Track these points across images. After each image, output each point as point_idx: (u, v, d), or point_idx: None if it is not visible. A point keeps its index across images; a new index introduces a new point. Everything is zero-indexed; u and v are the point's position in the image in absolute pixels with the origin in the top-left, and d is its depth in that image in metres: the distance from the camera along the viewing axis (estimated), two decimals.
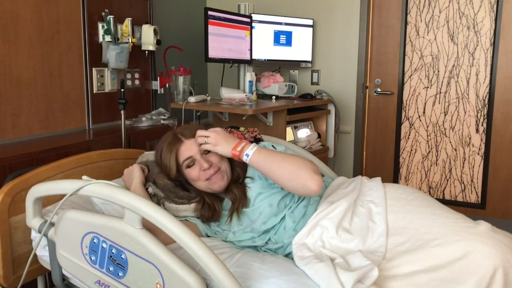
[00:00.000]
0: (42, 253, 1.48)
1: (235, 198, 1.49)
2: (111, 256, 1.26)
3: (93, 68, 2.64)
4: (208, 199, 1.50)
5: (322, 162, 1.98)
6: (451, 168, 3.39)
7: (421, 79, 3.40)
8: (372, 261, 1.23)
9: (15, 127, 2.25)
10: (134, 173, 1.53)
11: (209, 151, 1.49)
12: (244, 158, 1.39)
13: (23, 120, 2.28)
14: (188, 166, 1.47)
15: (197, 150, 1.47)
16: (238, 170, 1.55)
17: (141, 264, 1.21)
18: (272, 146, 1.55)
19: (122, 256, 1.24)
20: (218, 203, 1.51)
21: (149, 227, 1.21)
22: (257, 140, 1.89)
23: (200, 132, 1.46)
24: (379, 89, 3.53)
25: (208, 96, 3.05)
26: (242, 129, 1.92)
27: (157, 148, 1.55)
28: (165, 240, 1.25)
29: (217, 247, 1.39)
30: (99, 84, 2.68)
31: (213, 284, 1.18)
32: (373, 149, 3.62)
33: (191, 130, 1.52)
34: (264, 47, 3.32)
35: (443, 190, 3.44)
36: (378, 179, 1.52)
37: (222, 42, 2.92)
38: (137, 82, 2.97)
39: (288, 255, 1.39)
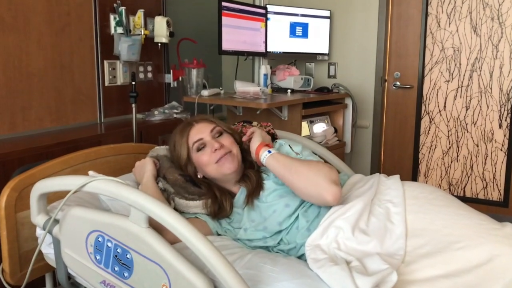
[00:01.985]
0: (47, 250, 1.44)
1: (251, 183, 1.45)
2: (116, 256, 1.21)
3: (105, 61, 2.59)
4: (217, 192, 1.46)
5: (338, 158, 1.91)
6: (472, 165, 3.28)
7: (442, 73, 3.29)
8: (391, 264, 1.15)
9: (25, 120, 2.22)
10: (146, 166, 1.49)
11: (220, 134, 1.49)
12: (264, 155, 1.39)
13: (33, 113, 2.25)
14: (199, 150, 1.45)
15: (208, 133, 1.47)
16: (250, 159, 1.52)
17: (147, 264, 1.16)
18: (289, 146, 1.50)
19: (128, 256, 1.19)
20: (227, 199, 1.45)
21: (156, 225, 1.15)
22: (270, 136, 1.82)
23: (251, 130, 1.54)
24: (398, 83, 3.43)
25: (221, 89, 2.99)
26: (255, 123, 1.85)
27: (171, 138, 1.55)
28: (172, 238, 1.20)
29: (228, 247, 1.33)
30: (110, 77, 2.64)
31: (222, 286, 1.12)
32: (392, 144, 3.53)
33: (203, 117, 1.53)
34: (279, 39, 3.24)
35: (464, 187, 3.33)
36: (397, 177, 1.44)
37: (236, 34, 2.85)
38: (149, 75, 2.93)
39: (301, 257, 1.32)
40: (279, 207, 1.38)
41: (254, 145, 1.45)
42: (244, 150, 1.53)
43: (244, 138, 1.55)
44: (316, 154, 1.97)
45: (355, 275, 1.10)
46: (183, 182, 1.49)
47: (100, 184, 1.20)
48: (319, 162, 1.39)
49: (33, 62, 2.22)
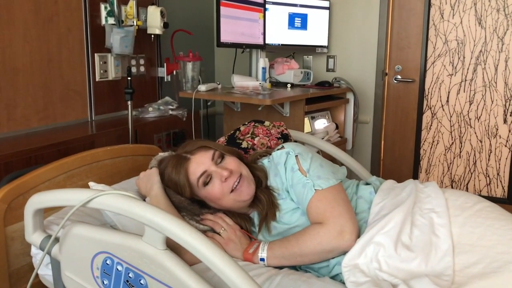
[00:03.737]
0: (44, 271, 1.27)
1: (263, 206, 1.28)
2: (127, 281, 1.06)
3: (95, 54, 2.40)
4: (233, 218, 1.30)
5: (357, 162, 1.78)
6: (475, 161, 3.19)
7: (445, 66, 3.18)
8: (439, 286, 1.03)
9: (11, 120, 2.02)
10: (154, 177, 1.30)
11: (223, 158, 1.29)
12: (261, 263, 1.22)
13: (19, 112, 2.06)
14: (206, 184, 1.26)
15: (210, 162, 1.26)
16: (258, 174, 1.34)
17: None
18: (297, 157, 1.28)
19: (141, 282, 1.04)
20: (245, 222, 1.31)
21: (172, 244, 1.00)
22: (284, 136, 1.68)
23: (220, 220, 1.29)
24: (399, 76, 3.31)
25: (219, 84, 2.83)
26: (267, 123, 1.70)
27: (163, 171, 1.32)
28: (191, 259, 1.06)
29: (252, 267, 1.18)
30: (101, 71, 2.45)
31: None
32: (392, 140, 3.42)
33: (196, 144, 1.31)
34: (278, 30, 3.08)
35: (467, 184, 3.25)
36: (434, 183, 1.30)
37: (234, 25, 2.69)
38: (142, 68, 2.74)
39: (335, 277, 1.18)
40: (304, 224, 1.24)
41: (236, 254, 1.25)
42: (252, 167, 1.35)
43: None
44: (333, 156, 1.86)
45: None
46: (188, 204, 1.31)
47: (108, 200, 1.04)
48: (311, 226, 1.21)
49: (18, 56, 2.03)
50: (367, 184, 1.38)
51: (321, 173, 1.25)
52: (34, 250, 1.26)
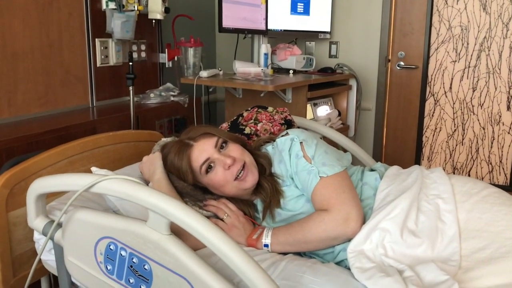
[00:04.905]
0: (47, 257, 1.27)
1: (267, 193, 1.27)
2: (131, 266, 1.05)
3: (96, 39, 2.37)
4: (236, 205, 1.29)
5: (360, 148, 1.77)
6: (478, 148, 3.18)
7: (448, 52, 3.15)
8: (446, 272, 1.02)
9: (11, 106, 2.01)
10: (157, 161, 1.29)
11: (226, 145, 1.27)
12: (265, 249, 1.22)
13: (19, 98, 2.04)
14: (208, 171, 1.24)
15: (213, 149, 1.25)
16: (262, 161, 1.32)
17: (169, 277, 1.00)
18: (301, 144, 1.27)
19: (145, 267, 1.03)
20: (248, 208, 1.30)
21: (176, 229, 0.99)
22: (287, 122, 1.66)
23: (224, 206, 1.28)
24: (402, 63, 3.28)
25: (220, 70, 2.80)
26: (270, 109, 1.68)
27: (166, 157, 1.31)
28: (194, 244, 1.05)
29: (256, 252, 1.17)
30: (102, 56, 2.42)
31: None
32: (395, 127, 3.40)
33: (199, 130, 1.29)
34: (280, 16, 3.05)
35: (469, 171, 3.24)
36: (440, 169, 1.29)
37: (236, 10, 2.66)
38: (143, 54, 2.72)
39: (340, 263, 1.18)
40: (309, 211, 1.23)
41: (240, 240, 1.24)
42: (255, 154, 1.33)
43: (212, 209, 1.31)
44: (335, 142, 1.85)
45: None
46: (191, 190, 1.30)
47: (111, 184, 1.03)
48: (315, 213, 1.20)
49: (18, 40, 2.00)
50: (372, 170, 1.37)
51: (326, 160, 1.24)
52: (36, 236, 1.25)
